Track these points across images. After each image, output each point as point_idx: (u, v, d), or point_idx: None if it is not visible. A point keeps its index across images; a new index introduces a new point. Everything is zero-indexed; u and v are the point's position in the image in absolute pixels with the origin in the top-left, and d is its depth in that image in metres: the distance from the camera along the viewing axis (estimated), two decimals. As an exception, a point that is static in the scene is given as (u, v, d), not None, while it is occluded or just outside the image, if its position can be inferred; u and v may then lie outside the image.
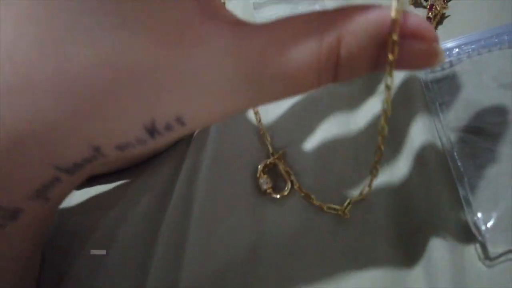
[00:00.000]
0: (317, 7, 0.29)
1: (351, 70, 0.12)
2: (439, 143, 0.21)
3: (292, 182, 0.21)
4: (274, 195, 0.20)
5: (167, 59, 0.11)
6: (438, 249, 0.17)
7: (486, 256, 0.17)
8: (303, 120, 0.23)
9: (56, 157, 0.13)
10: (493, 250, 0.17)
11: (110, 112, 0.12)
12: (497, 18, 0.25)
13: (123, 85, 0.11)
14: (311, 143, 0.22)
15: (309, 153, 0.22)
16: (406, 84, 0.23)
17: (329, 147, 0.22)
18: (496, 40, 0.23)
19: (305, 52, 0.12)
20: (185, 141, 0.23)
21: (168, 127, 0.13)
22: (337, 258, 0.18)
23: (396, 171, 0.20)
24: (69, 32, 0.11)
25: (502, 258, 0.17)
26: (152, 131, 0.13)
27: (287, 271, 0.18)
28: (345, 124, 0.22)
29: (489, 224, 0.17)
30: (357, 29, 0.11)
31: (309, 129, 0.23)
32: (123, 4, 0.11)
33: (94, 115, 0.12)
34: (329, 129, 0.22)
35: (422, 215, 0.18)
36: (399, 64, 0.12)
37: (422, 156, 0.20)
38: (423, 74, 0.23)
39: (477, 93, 0.22)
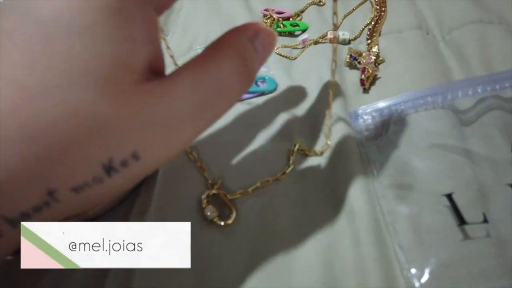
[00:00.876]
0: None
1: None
2: (374, 202, 0.21)
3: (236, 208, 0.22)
4: (219, 223, 0.22)
5: (127, 109, 0.13)
6: None
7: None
8: (233, 150, 0.25)
9: (5, 206, 0.13)
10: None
11: (71, 157, 0.13)
12: (423, 80, 0.28)
13: (86, 133, 0.13)
14: (243, 170, 0.24)
15: (243, 178, 0.24)
16: (343, 143, 0.24)
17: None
18: (422, 101, 0.25)
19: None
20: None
21: (124, 163, 0.14)
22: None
23: (332, 228, 0.21)
24: (44, 88, 0.12)
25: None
26: (109, 168, 0.14)
27: None
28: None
29: (423, 280, 0.18)
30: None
31: (240, 156, 0.25)
32: (90, 67, 0.13)
33: (55, 161, 0.13)
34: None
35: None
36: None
37: (355, 214, 0.21)
38: (358, 133, 0.25)
39: (408, 152, 0.23)
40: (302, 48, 0.33)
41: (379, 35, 0.33)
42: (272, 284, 0.19)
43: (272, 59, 0.32)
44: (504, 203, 0.19)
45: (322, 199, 0.22)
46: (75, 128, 0.13)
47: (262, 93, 0.29)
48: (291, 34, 0.34)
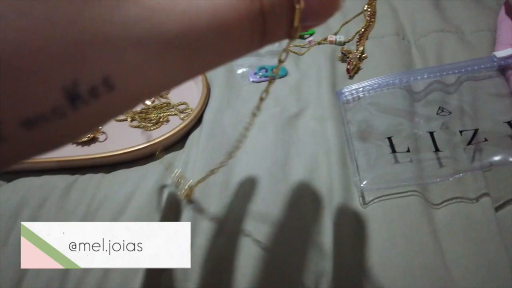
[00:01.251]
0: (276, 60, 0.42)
1: (276, 17, 0.13)
2: (343, 141, 0.33)
3: None
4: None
5: (94, 10, 0.10)
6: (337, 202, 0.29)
7: (364, 202, 0.29)
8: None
9: None
10: (367, 198, 0.29)
11: (21, 76, 0.10)
12: (393, 72, 0.39)
13: (40, 41, 0.10)
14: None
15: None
16: (332, 108, 0.36)
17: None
18: (385, 83, 0.36)
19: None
20: None
21: (94, 92, 0.11)
22: None
23: (314, 155, 0.32)
24: None
25: (372, 202, 0.29)
26: (73, 96, 0.10)
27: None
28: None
29: (364, 183, 0.29)
30: None
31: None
32: None
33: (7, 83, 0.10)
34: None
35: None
36: (307, 14, 0.13)
37: (330, 145, 0.32)
38: (341, 104, 0.36)
39: (372, 117, 0.34)
40: (308, 47, 0.44)
41: (366, 39, 0.44)
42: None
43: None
44: (424, 142, 0.30)
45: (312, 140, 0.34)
46: (24, 33, 0.09)
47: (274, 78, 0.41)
48: (301, 37, 0.46)
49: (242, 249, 0.28)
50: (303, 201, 0.30)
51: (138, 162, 0.36)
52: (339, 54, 0.42)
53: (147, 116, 0.40)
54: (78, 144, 0.38)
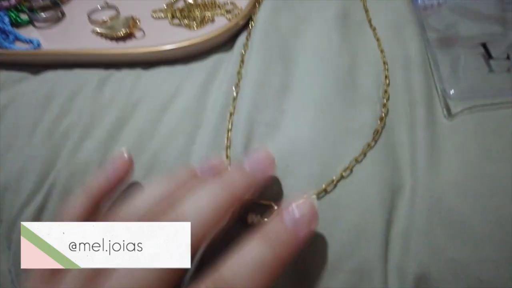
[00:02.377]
0: None
1: None
2: (424, 50, 0.28)
3: None
4: None
5: None
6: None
7: (450, 114, 0.25)
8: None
9: None
10: (454, 109, 0.24)
11: None
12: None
13: None
14: None
15: None
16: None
17: None
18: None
19: None
20: None
21: None
22: None
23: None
24: None
25: (460, 114, 0.24)
26: None
27: None
28: None
29: (452, 91, 0.25)
30: None
31: None
32: None
33: None
34: None
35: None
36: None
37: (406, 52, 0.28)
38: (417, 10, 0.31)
39: (457, 23, 0.29)
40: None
41: None
42: None
43: None
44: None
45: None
46: None
47: None
48: None
49: None
50: (372, 115, 0.26)
51: (181, 61, 0.31)
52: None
53: (190, 14, 0.35)
54: (112, 39, 0.34)
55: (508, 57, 0.25)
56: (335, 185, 0.23)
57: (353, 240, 0.21)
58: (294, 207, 0.18)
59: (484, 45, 0.26)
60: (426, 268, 0.20)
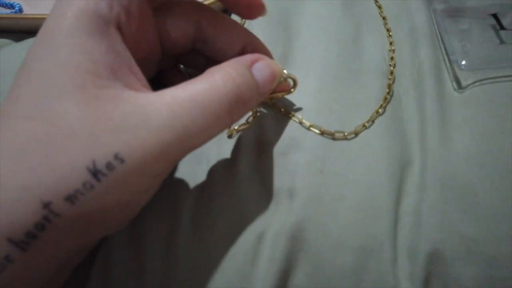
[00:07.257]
0: None
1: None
2: (431, 21, 0.27)
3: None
4: None
5: (98, 111, 0.14)
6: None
7: (460, 87, 0.24)
8: None
9: (5, 225, 0.13)
10: (464, 82, 0.23)
11: (56, 165, 0.13)
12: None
13: (65, 138, 0.14)
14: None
15: None
16: None
17: None
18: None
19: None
20: None
21: (110, 166, 0.14)
22: None
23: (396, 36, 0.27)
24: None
25: (470, 86, 0.23)
26: (95, 172, 0.14)
27: None
28: None
29: (463, 63, 0.23)
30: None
31: None
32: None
33: (42, 167, 0.13)
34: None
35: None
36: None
37: (419, 31, 0.26)
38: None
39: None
40: None
41: None
42: None
43: None
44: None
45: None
46: (54, 136, 0.13)
47: None
48: None
49: None
50: (378, 83, 0.24)
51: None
52: None
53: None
54: None
55: (520, 27, 0.24)
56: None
57: (360, 216, 0.20)
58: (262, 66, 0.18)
59: (495, 16, 0.25)
60: (438, 246, 0.19)
